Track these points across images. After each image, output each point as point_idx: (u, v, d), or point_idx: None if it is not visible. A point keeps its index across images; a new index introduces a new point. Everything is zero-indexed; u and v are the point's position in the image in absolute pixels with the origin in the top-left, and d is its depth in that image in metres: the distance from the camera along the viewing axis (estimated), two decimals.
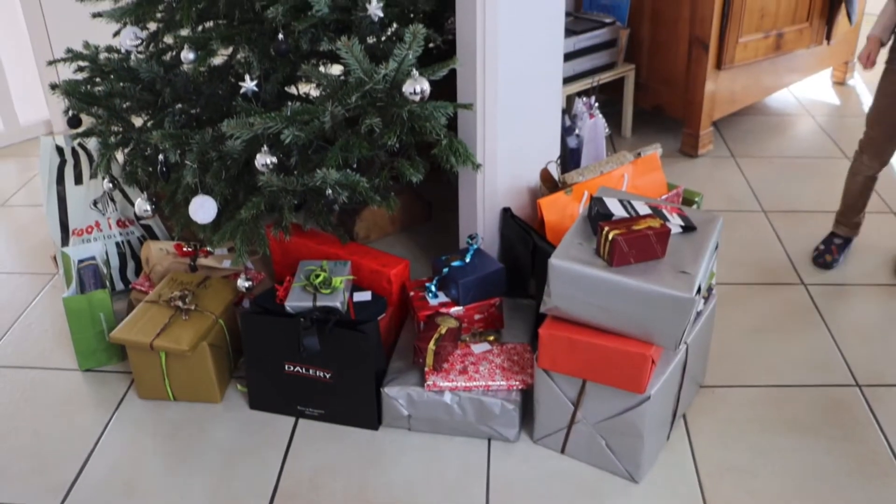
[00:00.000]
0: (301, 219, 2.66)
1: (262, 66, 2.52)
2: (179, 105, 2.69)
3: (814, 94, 4.80)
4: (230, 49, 2.69)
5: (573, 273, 2.01)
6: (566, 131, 3.14)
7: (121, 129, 2.75)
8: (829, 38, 4.32)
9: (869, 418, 2.42)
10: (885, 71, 2.89)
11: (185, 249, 2.81)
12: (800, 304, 2.93)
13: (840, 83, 4.95)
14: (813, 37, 4.22)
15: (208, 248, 2.81)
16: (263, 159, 2.30)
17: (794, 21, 4.05)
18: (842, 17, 4.27)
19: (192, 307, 2.52)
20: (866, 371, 2.61)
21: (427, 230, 3.26)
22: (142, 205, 2.67)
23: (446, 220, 3.18)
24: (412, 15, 2.60)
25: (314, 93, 2.87)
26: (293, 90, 2.90)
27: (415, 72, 2.16)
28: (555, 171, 2.83)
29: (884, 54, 2.89)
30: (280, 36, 2.41)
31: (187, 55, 2.51)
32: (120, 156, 2.85)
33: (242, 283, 2.60)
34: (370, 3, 2.23)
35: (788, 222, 3.43)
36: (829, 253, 3.16)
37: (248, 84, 2.45)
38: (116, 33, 2.77)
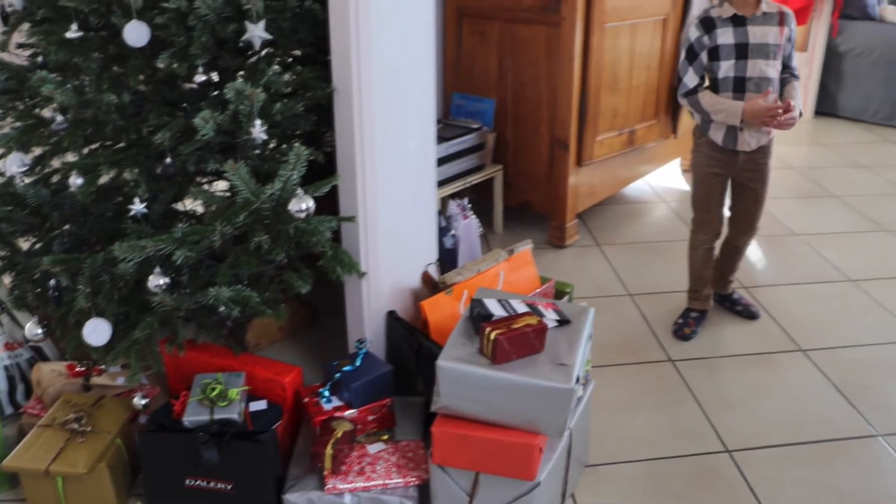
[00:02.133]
0: (193, 332, 2.66)
1: (149, 188, 2.54)
2: (67, 226, 2.67)
3: (666, 182, 5.09)
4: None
5: (460, 373, 2.09)
6: (442, 232, 3.25)
7: (7, 254, 2.71)
8: (675, 131, 4.62)
9: (740, 481, 2.55)
10: (695, 154, 3.18)
11: (77, 369, 2.76)
12: (668, 378, 3.07)
13: (688, 171, 5.26)
14: (661, 131, 4.50)
15: (101, 367, 2.77)
16: (156, 280, 2.31)
17: (643, 119, 4.33)
18: (684, 113, 4.57)
19: (88, 428, 2.47)
20: (734, 437, 2.75)
21: (314, 334, 3.29)
22: (32, 328, 2.61)
23: (331, 324, 3.23)
24: (293, 135, 2.67)
25: (200, 208, 2.90)
26: (181, 205, 2.92)
27: (299, 191, 2.23)
28: (434, 273, 2.93)
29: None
30: (168, 160, 2.45)
31: (75, 180, 2.51)
32: (6, 278, 2.79)
33: (139, 401, 2.57)
34: (254, 126, 2.29)
35: (652, 303, 3.61)
36: (686, 326, 3.36)
37: (138, 206, 2.47)
38: (1, 156, 2.75)
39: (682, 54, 3.07)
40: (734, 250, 3.41)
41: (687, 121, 4.68)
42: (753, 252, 4.13)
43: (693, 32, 3.01)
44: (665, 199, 4.84)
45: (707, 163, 3.16)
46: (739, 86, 3.01)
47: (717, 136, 3.08)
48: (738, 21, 2.97)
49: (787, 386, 3.04)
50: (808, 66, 6.52)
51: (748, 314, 3.49)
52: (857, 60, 6.44)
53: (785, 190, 5.01)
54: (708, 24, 2.98)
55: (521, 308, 2.30)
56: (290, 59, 2.76)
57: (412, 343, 2.68)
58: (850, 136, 6.23)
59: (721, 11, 2.98)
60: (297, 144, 2.24)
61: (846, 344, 3.31)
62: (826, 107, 6.64)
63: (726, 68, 3.00)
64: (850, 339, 3.34)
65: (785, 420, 2.84)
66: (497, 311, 2.27)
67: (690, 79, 3.04)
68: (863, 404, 2.93)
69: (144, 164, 2.55)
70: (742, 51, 2.98)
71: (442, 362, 2.11)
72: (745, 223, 3.30)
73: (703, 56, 3.01)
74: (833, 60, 6.54)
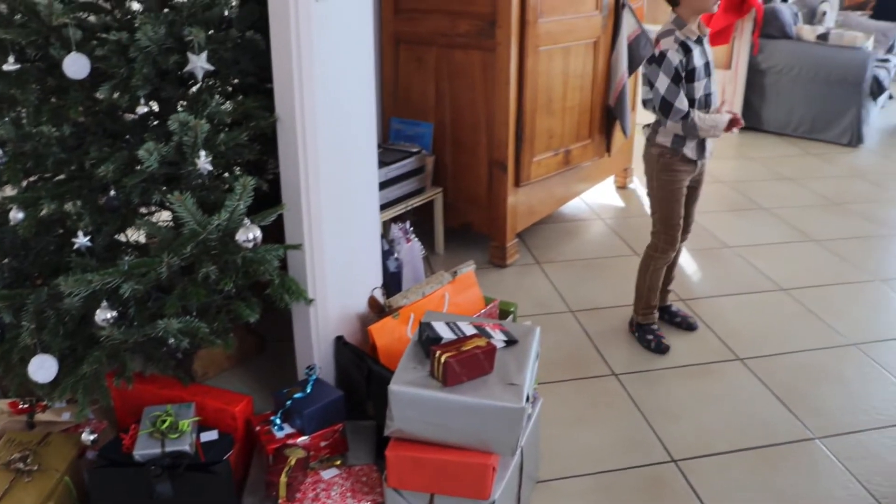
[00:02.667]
0: (141, 364, 2.62)
1: (93, 221, 2.50)
2: (7, 260, 2.62)
3: (601, 200, 5.17)
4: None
5: (412, 397, 2.10)
6: (385, 256, 3.26)
7: None
8: (608, 150, 4.71)
9: (687, 490, 2.60)
10: (665, 174, 3.21)
11: (20, 406, 2.70)
12: (613, 392, 3.12)
13: (622, 187, 5.36)
14: (595, 150, 4.58)
15: (45, 403, 2.71)
16: (103, 314, 2.28)
17: (578, 139, 4.40)
18: (617, 131, 4.67)
19: (35, 467, 2.41)
20: (679, 446, 2.80)
21: (262, 362, 3.26)
22: None
23: (278, 351, 3.21)
24: (237, 164, 2.66)
25: (144, 239, 2.87)
26: (124, 237, 2.88)
27: (247, 220, 2.23)
28: (380, 297, 2.93)
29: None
30: (112, 192, 2.42)
31: (16, 214, 2.47)
32: None
33: (87, 437, 2.52)
34: (199, 157, 2.28)
35: (593, 318, 3.66)
36: (661, 339, 3.43)
37: (81, 239, 2.44)
38: None
39: (663, 78, 3.03)
40: (674, 258, 3.49)
41: (620, 138, 4.78)
42: (689, 265, 4.22)
43: (675, 56, 3.02)
44: (601, 216, 4.92)
45: (681, 178, 3.22)
46: (707, 102, 3.14)
47: (690, 151, 3.16)
48: (699, 41, 3.08)
49: (727, 394, 3.11)
50: (733, 83, 6.70)
51: (687, 325, 3.57)
52: (778, 77, 6.64)
53: (716, 203, 5.13)
54: (685, 47, 3.04)
55: (469, 330, 2.32)
56: (232, 89, 2.75)
57: (361, 368, 2.68)
58: (774, 150, 6.41)
59: (687, 32, 3.05)
60: (243, 175, 2.24)
61: (781, 351, 3.40)
62: (751, 121, 6.83)
63: (700, 88, 3.10)
64: (785, 347, 3.44)
65: (727, 428, 2.91)
66: (446, 333, 2.28)
67: (682, 102, 3.05)
68: (799, 409, 3.02)
69: (87, 197, 2.52)
70: (707, 69, 3.11)
71: (394, 386, 2.11)
72: (687, 226, 3.40)
73: (684, 78, 3.07)
74: (756, 77, 6.74)
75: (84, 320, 2.46)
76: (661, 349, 3.41)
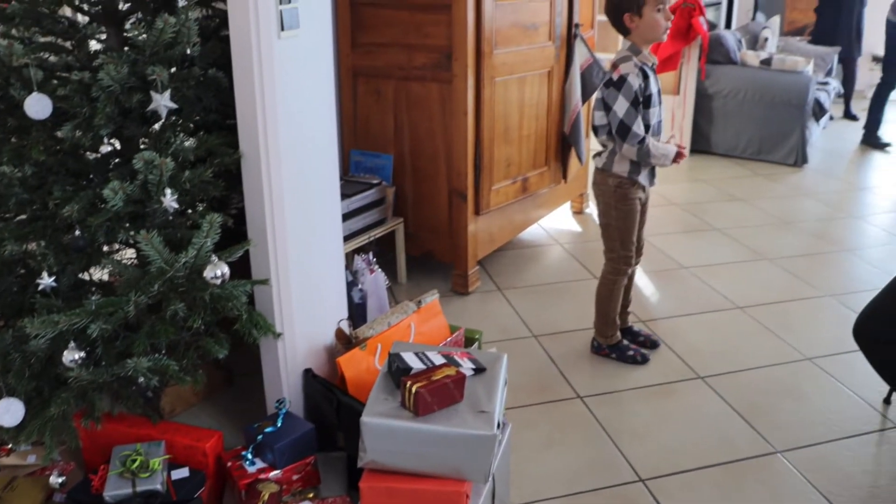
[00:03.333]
0: (108, 404, 2.59)
1: (58, 261, 2.47)
2: None
3: (559, 225, 5.21)
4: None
5: (384, 428, 2.10)
6: (349, 287, 3.26)
7: None
8: (565, 177, 4.76)
9: None
10: (623, 202, 3.26)
11: None
12: (579, 414, 3.13)
13: (578, 213, 5.42)
14: (552, 178, 4.63)
15: (10, 446, 2.66)
16: (71, 355, 2.25)
17: (535, 167, 4.44)
18: (573, 158, 4.72)
19: None
20: (646, 466, 2.82)
21: (230, 396, 3.23)
22: None
23: (246, 384, 3.18)
24: (202, 201, 2.65)
25: (108, 277, 2.84)
26: (89, 275, 2.85)
27: (214, 257, 2.22)
28: (347, 328, 2.93)
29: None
30: (77, 231, 2.39)
31: None
32: None
33: (55, 480, 2.47)
34: (164, 196, 2.27)
35: (556, 342, 3.69)
36: (637, 351, 3.51)
37: (46, 280, 2.41)
38: None
39: (622, 102, 3.07)
40: (630, 278, 3.53)
41: (575, 165, 4.84)
42: (647, 286, 4.27)
43: (635, 80, 3.06)
44: (559, 241, 4.96)
45: (637, 205, 3.28)
46: (658, 130, 3.21)
47: (644, 178, 3.23)
48: (652, 68, 3.15)
49: (690, 412, 3.14)
50: (682, 108, 6.82)
51: (650, 343, 3.61)
52: (725, 101, 6.78)
53: (671, 225, 5.21)
54: (644, 73, 3.09)
55: (438, 359, 2.33)
56: (194, 126, 2.75)
57: (331, 399, 2.66)
58: (724, 172, 6.52)
59: (644, 59, 3.11)
60: (209, 212, 2.23)
61: (740, 368, 3.45)
62: (700, 145, 6.95)
63: (655, 114, 3.16)
64: (743, 364, 3.49)
65: (692, 445, 2.94)
66: (415, 364, 2.29)
67: (639, 126, 3.09)
68: (760, 424, 3.06)
69: (52, 237, 2.49)
70: (660, 96, 3.19)
71: (366, 418, 2.11)
72: (639, 248, 3.47)
73: (641, 103, 3.12)
74: (704, 102, 6.87)
75: (50, 361, 2.42)
76: (646, 359, 3.48)
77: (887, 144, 7.18)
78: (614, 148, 3.19)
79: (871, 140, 7.25)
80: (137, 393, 2.43)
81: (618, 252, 3.36)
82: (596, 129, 3.24)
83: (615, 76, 3.09)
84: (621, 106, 3.07)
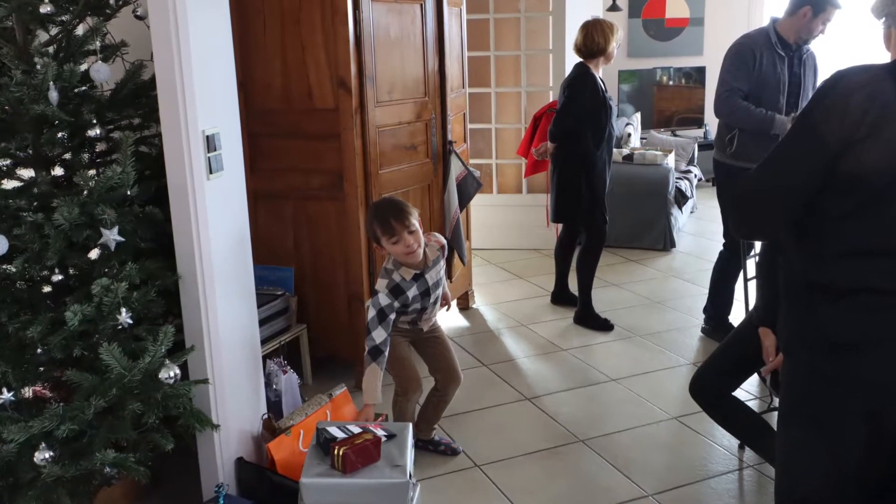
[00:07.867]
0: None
1: (16, 378, 3.01)
2: None
3: (449, 321, 5.94)
4: None
5: (320, 486, 2.76)
6: (265, 387, 3.90)
7: None
8: (450, 277, 5.50)
9: None
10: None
11: None
12: (478, 481, 3.80)
13: (465, 308, 6.17)
14: None
15: None
16: (42, 455, 2.81)
17: None
18: (456, 260, 5.50)
19: None
20: None
21: (160, 495, 3.69)
22: None
23: (172, 480, 3.66)
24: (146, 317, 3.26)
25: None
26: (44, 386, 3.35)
27: (167, 361, 2.86)
28: (272, 420, 3.56)
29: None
30: (39, 350, 2.98)
31: None
32: None
33: None
34: (120, 314, 2.90)
35: (455, 421, 4.36)
36: (448, 445, 4.05)
37: (6, 395, 2.95)
38: None
39: (374, 315, 3.57)
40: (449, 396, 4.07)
41: (458, 266, 5.61)
42: (530, 367, 5.02)
43: (384, 299, 3.57)
44: (449, 335, 5.65)
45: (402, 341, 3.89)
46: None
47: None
48: (417, 276, 3.67)
49: (574, 470, 3.85)
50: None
51: (451, 451, 4.06)
52: None
53: (552, 313, 6.00)
54: (397, 291, 3.61)
55: (356, 430, 3.00)
56: (134, 254, 3.36)
57: (263, 480, 3.28)
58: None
59: (404, 273, 3.63)
60: (164, 325, 2.87)
61: (616, 430, 4.22)
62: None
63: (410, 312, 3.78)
64: (618, 426, 4.26)
65: (577, 497, 3.64)
66: (339, 434, 2.96)
67: (381, 336, 3.59)
68: (635, 473, 3.80)
69: (11, 357, 3.04)
70: (426, 292, 3.75)
71: (305, 479, 2.76)
72: (453, 372, 4.07)
73: (392, 316, 3.61)
74: None
75: (10, 464, 2.92)
76: (456, 452, 4.01)
77: None
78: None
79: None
80: (100, 486, 2.98)
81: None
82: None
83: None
84: (372, 317, 3.59)
